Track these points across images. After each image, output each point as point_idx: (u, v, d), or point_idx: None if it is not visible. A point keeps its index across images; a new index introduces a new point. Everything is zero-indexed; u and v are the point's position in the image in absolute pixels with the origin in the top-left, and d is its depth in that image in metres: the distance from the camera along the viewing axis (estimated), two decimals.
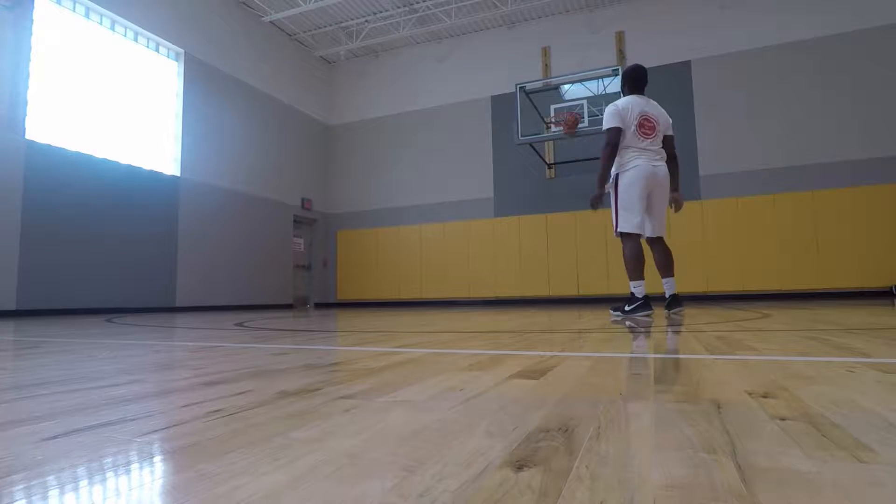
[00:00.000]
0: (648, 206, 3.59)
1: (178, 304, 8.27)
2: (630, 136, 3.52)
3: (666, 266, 3.65)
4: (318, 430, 0.68)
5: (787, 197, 8.45)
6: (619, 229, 3.57)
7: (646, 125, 3.53)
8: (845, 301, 6.48)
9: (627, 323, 2.94)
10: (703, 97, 9.17)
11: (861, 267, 7.95)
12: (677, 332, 2.24)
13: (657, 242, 3.70)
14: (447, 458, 0.55)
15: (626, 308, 3.51)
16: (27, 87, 6.55)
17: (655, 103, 3.67)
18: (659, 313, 3.64)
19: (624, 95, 3.72)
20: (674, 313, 3.52)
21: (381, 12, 10.53)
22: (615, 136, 3.52)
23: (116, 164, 7.52)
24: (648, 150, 3.53)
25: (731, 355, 1.40)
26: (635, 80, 3.68)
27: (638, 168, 3.49)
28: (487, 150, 10.58)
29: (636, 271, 3.54)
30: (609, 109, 3.59)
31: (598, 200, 3.75)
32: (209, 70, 9.17)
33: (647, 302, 3.47)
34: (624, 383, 1.00)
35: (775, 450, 0.56)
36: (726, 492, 0.45)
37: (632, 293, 3.53)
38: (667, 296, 3.61)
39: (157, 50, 8.46)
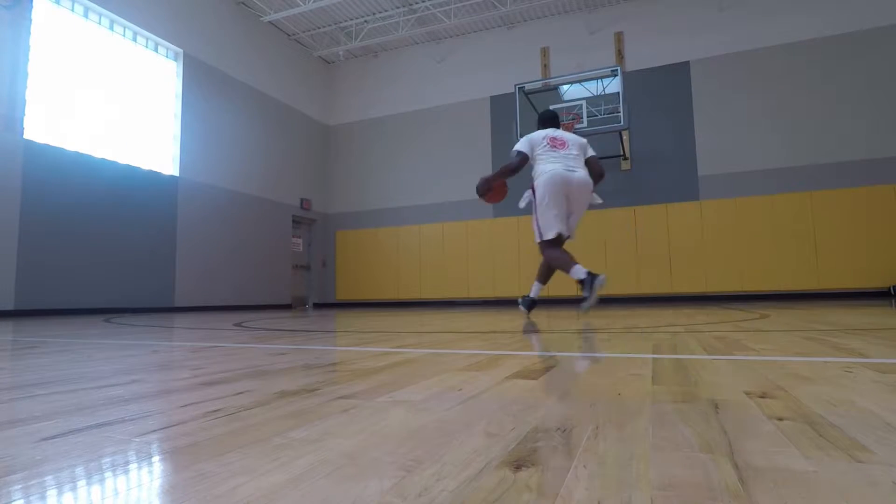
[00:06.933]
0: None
1: (176, 305, 8.26)
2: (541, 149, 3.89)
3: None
4: (317, 430, 0.68)
5: (786, 197, 8.46)
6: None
7: (556, 142, 3.90)
8: (844, 302, 6.49)
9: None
10: (701, 98, 9.18)
11: (859, 267, 7.96)
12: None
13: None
14: (446, 458, 0.55)
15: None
16: (26, 87, 6.54)
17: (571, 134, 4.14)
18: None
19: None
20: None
21: (380, 12, 10.53)
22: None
23: (115, 163, 7.52)
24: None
25: (729, 355, 1.40)
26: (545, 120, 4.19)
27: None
28: (487, 150, 10.58)
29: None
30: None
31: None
32: (208, 70, 9.16)
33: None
34: (622, 383, 1.00)
35: (772, 449, 0.56)
36: (723, 491, 0.45)
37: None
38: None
39: (155, 50, 8.45)
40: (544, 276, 4.08)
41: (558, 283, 9.74)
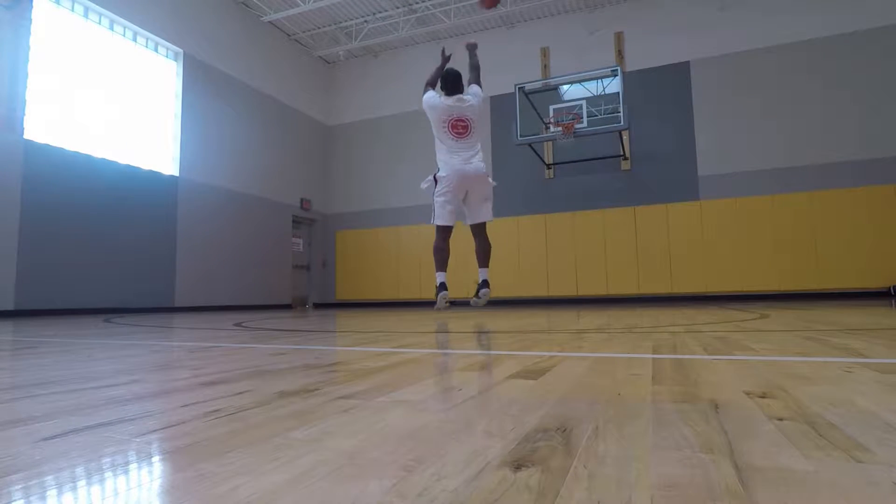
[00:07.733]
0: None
1: (176, 305, 8.26)
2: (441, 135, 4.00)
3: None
4: (317, 430, 0.68)
5: (786, 197, 8.46)
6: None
7: (457, 127, 3.99)
8: (844, 302, 6.49)
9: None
10: (701, 98, 9.18)
11: (860, 267, 7.96)
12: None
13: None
14: (446, 458, 0.55)
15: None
16: (26, 87, 6.54)
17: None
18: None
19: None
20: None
21: (380, 12, 10.53)
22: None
23: (115, 163, 7.51)
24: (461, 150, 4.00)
25: (729, 356, 1.40)
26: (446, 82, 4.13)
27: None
28: (487, 150, 10.57)
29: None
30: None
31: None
32: (208, 70, 9.16)
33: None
34: (622, 383, 1.00)
35: (772, 450, 0.56)
36: (724, 491, 0.45)
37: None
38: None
39: (156, 50, 8.45)
40: (485, 260, 4.40)
41: (557, 283, 9.77)
